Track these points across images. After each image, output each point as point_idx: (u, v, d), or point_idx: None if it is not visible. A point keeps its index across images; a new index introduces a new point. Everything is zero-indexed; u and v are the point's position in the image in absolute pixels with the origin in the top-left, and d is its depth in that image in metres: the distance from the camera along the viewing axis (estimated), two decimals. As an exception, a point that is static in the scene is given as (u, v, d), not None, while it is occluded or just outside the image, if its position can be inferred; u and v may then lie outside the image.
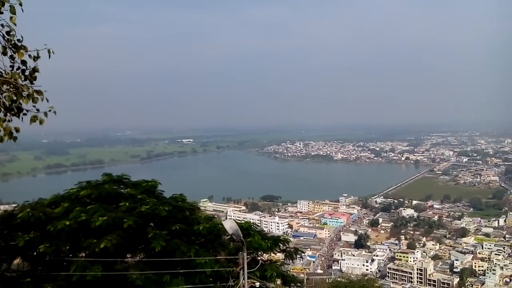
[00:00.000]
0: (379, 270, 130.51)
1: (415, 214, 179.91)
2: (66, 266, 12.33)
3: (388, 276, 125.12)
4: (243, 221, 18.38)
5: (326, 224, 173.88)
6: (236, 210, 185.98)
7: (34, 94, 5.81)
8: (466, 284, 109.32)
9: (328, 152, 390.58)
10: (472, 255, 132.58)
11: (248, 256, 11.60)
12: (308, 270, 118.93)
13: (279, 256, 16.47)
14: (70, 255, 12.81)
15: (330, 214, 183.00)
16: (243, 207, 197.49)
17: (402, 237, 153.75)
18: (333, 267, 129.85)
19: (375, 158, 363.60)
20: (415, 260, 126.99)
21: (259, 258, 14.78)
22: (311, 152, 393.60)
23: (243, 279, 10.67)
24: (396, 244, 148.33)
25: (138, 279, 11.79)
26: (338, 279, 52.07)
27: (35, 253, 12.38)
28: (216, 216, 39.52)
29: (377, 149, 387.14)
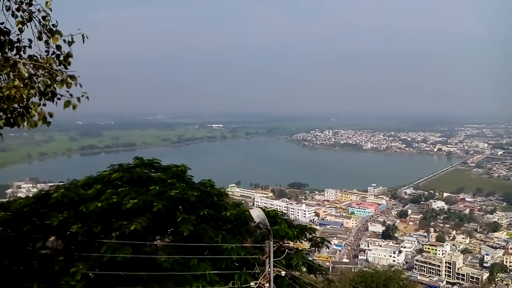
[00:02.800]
0: (406, 262, 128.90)
1: (446, 207, 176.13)
2: (97, 246, 12.68)
3: (416, 268, 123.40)
4: (270, 208, 18.44)
5: (354, 213, 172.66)
6: (263, 197, 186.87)
7: (68, 79, 5.88)
8: (496, 280, 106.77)
9: (358, 141, 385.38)
10: (504, 250, 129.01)
11: (275, 245, 11.60)
12: (333, 258, 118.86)
13: (305, 244, 16.45)
14: (101, 236, 13.16)
15: (357, 204, 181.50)
16: (270, 194, 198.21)
17: (431, 229, 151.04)
18: (359, 257, 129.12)
19: (406, 148, 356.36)
20: (444, 253, 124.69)
21: (285, 246, 14.78)
22: (340, 141, 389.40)
23: (269, 267, 10.68)
24: (425, 237, 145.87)
25: (166, 262, 12.01)
26: (364, 269, 51.69)
27: (68, 233, 12.79)
28: (243, 202, 39.83)
29: (409, 139, 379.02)
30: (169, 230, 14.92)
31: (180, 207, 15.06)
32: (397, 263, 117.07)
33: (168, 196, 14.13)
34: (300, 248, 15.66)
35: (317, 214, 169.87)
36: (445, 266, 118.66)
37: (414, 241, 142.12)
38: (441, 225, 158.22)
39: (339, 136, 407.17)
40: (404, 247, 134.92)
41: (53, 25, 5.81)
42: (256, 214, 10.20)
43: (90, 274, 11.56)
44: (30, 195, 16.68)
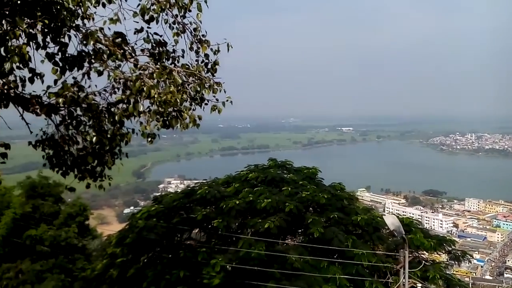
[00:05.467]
0: None
1: None
2: (234, 241, 13.56)
3: None
4: (403, 216, 17.57)
5: (499, 226, 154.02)
6: (394, 203, 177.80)
7: (215, 85, 6.42)
8: None
9: (506, 146, 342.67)
10: None
11: (410, 255, 11.01)
12: (474, 274, 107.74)
13: (443, 257, 15.34)
14: (238, 232, 14.06)
15: (504, 216, 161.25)
16: (403, 200, 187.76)
17: None
18: (505, 275, 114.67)
19: None
20: None
21: (421, 257, 13.97)
22: (484, 146, 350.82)
23: (404, 278, 10.17)
24: None
25: (297, 262, 12.29)
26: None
27: (209, 227, 13.96)
28: (374, 207, 38.38)
29: None
30: (299, 231, 15.27)
31: (310, 208, 15.32)
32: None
33: (299, 197, 14.50)
34: (437, 261, 14.68)
35: (456, 225, 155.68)
36: None
37: None
38: None
39: (484, 140, 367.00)
40: None
41: (203, 35, 6.42)
42: (391, 221, 9.81)
43: (228, 266, 12.41)
44: (178, 190, 18.51)
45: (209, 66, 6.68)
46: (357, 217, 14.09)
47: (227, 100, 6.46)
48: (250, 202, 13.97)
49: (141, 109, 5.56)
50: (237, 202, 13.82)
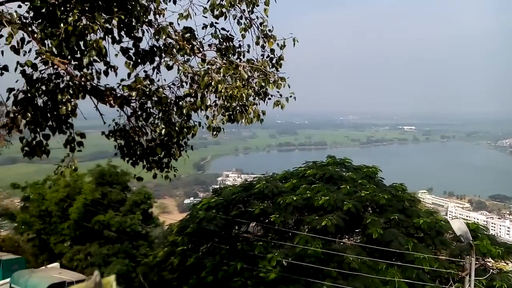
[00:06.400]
0: None
1: None
2: (290, 237, 13.58)
3: None
4: (468, 221, 16.72)
5: None
6: (458, 207, 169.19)
7: (279, 80, 6.41)
8: None
9: None
10: None
11: (476, 262, 10.45)
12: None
13: (510, 265, 14.47)
14: (295, 228, 14.05)
15: None
16: (467, 204, 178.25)
17: None
18: None
19: None
20: None
21: (487, 265, 13.25)
22: None
23: (469, 286, 9.67)
24: None
25: (354, 262, 12.09)
26: None
27: (266, 221, 14.08)
28: (436, 210, 36.74)
29: None
30: (357, 230, 14.98)
31: (369, 208, 14.98)
32: None
33: (358, 196, 14.22)
34: (504, 269, 13.86)
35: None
36: None
37: None
38: None
39: None
40: None
41: (269, 30, 6.44)
42: (458, 225, 9.36)
43: (284, 262, 12.45)
44: (236, 184, 18.82)
45: (274, 61, 6.70)
46: (419, 220, 13.58)
47: (290, 96, 6.44)
48: (308, 199, 13.91)
49: (208, 103, 5.70)
50: (295, 198, 13.81)
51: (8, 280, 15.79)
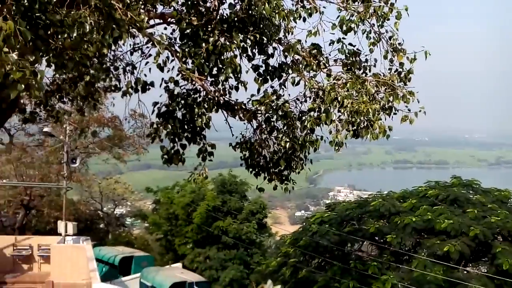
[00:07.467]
0: None
1: None
2: (407, 259, 12.86)
3: None
4: None
5: None
6: None
7: (408, 95, 6.20)
8: None
9: None
10: None
11: None
12: None
13: None
14: (412, 250, 13.28)
15: None
16: None
17: None
18: None
19: None
20: None
21: None
22: None
23: None
24: None
25: (481, 293, 11.04)
26: None
27: (381, 241, 13.53)
28: None
29: None
30: (484, 259, 13.72)
31: (499, 236, 13.65)
32: None
33: (487, 222, 13.04)
34: None
35: None
36: None
37: None
38: None
39: None
40: None
41: (399, 43, 6.27)
42: None
43: (399, 285, 11.84)
44: (348, 199, 18.46)
45: (402, 75, 6.50)
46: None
47: (420, 111, 6.19)
48: (428, 221, 13.10)
49: (333, 118, 5.73)
50: (414, 219, 13.11)
51: (138, 274, 17.52)
